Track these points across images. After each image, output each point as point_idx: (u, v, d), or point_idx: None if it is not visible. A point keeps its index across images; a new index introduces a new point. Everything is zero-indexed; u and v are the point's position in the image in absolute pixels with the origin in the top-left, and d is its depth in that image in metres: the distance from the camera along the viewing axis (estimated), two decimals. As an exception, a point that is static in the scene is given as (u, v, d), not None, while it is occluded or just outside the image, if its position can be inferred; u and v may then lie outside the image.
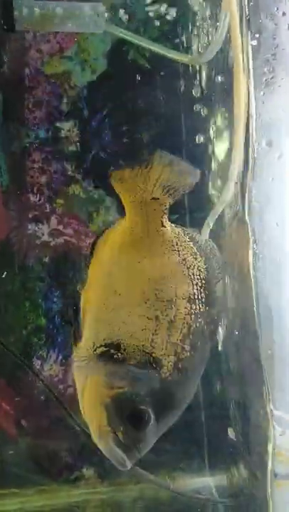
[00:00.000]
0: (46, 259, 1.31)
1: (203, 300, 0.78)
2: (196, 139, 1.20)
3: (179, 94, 1.25)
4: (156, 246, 0.80)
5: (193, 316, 0.77)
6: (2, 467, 1.29)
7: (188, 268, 0.79)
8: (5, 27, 1.01)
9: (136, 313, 0.77)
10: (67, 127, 1.29)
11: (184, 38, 1.20)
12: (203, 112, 1.17)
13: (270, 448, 0.93)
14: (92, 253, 0.86)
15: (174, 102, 1.26)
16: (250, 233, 0.94)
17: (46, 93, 1.27)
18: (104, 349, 0.77)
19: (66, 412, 0.87)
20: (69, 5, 1.10)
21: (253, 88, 0.87)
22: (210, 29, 1.05)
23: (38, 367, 1.29)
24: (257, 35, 0.89)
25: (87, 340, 0.79)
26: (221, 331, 1.06)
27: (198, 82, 1.17)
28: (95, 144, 1.30)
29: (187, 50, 1.19)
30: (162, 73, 1.24)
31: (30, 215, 1.30)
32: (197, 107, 1.17)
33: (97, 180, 1.30)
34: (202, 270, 0.80)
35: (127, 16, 1.22)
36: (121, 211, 0.84)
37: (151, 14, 1.22)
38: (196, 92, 1.19)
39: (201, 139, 1.19)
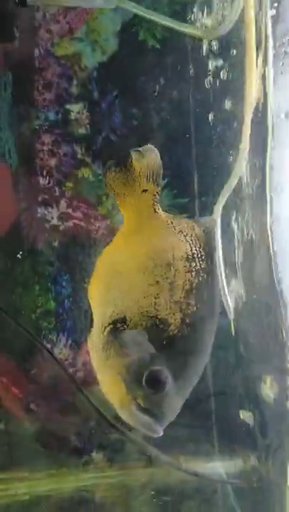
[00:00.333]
0: (55, 243, 1.31)
1: (203, 257, 0.81)
2: (208, 119, 1.19)
3: (189, 75, 1.24)
4: (151, 229, 0.84)
5: (194, 272, 0.79)
6: (11, 451, 1.30)
7: (185, 236, 0.83)
8: (17, 1, 1.00)
9: (136, 284, 0.79)
10: (77, 109, 1.28)
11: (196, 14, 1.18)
12: (215, 91, 1.15)
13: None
14: None
15: (184, 82, 1.25)
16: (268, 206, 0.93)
17: (56, 75, 1.26)
18: (112, 326, 0.79)
19: (79, 390, 0.87)
20: (81, -20, 1.09)
21: (272, 60, 0.86)
22: (224, 4, 1.04)
23: (47, 351, 1.29)
24: (275, 5, 0.87)
25: (96, 326, 0.82)
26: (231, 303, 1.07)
27: (208, 61, 1.16)
28: (105, 127, 1.29)
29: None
30: (173, 54, 1.23)
31: (39, 199, 1.30)
32: (208, 85, 1.16)
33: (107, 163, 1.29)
34: (200, 236, 0.83)
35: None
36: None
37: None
38: (206, 72, 1.18)
39: (213, 118, 1.18)
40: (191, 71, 1.24)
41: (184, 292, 0.78)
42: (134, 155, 0.84)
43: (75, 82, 1.27)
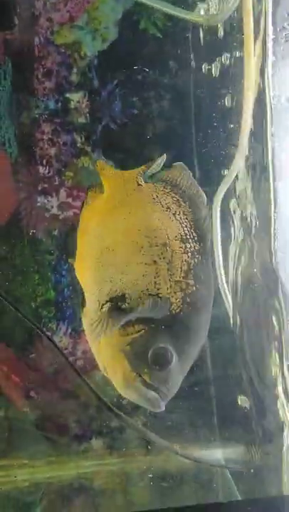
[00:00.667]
0: (55, 232, 1.31)
1: (196, 238, 0.82)
2: (209, 107, 1.19)
3: (189, 63, 1.24)
4: (137, 201, 0.85)
5: (189, 253, 0.81)
6: (12, 438, 1.30)
7: (174, 214, 0.84)
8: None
9: (134, 263, 0.80)
10: (76, 98, 1.28)
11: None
12: (216, 79, 1.15)
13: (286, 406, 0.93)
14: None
15: (185, 71, 1.25)
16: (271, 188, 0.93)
17: (56, 63, 1.26)
18: (111, 304, 0.79)
19: (78, 376, 0.88)
20: None
21: (272, 44, 0.86)
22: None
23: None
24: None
25: (91, 303, 0.82)
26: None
27: (208, 49, 1.16)
28: (105, 115, 1.29)
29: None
30: (173, 42, 1.23)
31: (39, 188, 1.30)
32: (209, 73, 1.16)
33: (107, 152, 1.30)
34: (188, 213, 0.84)
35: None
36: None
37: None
38: (207, 61, 1.18)
39: (213, 107, 1.18)
40: (192, 60, 1.25)
41: (182, 272, 0.80)
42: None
43: (75, 70, 1.27)
